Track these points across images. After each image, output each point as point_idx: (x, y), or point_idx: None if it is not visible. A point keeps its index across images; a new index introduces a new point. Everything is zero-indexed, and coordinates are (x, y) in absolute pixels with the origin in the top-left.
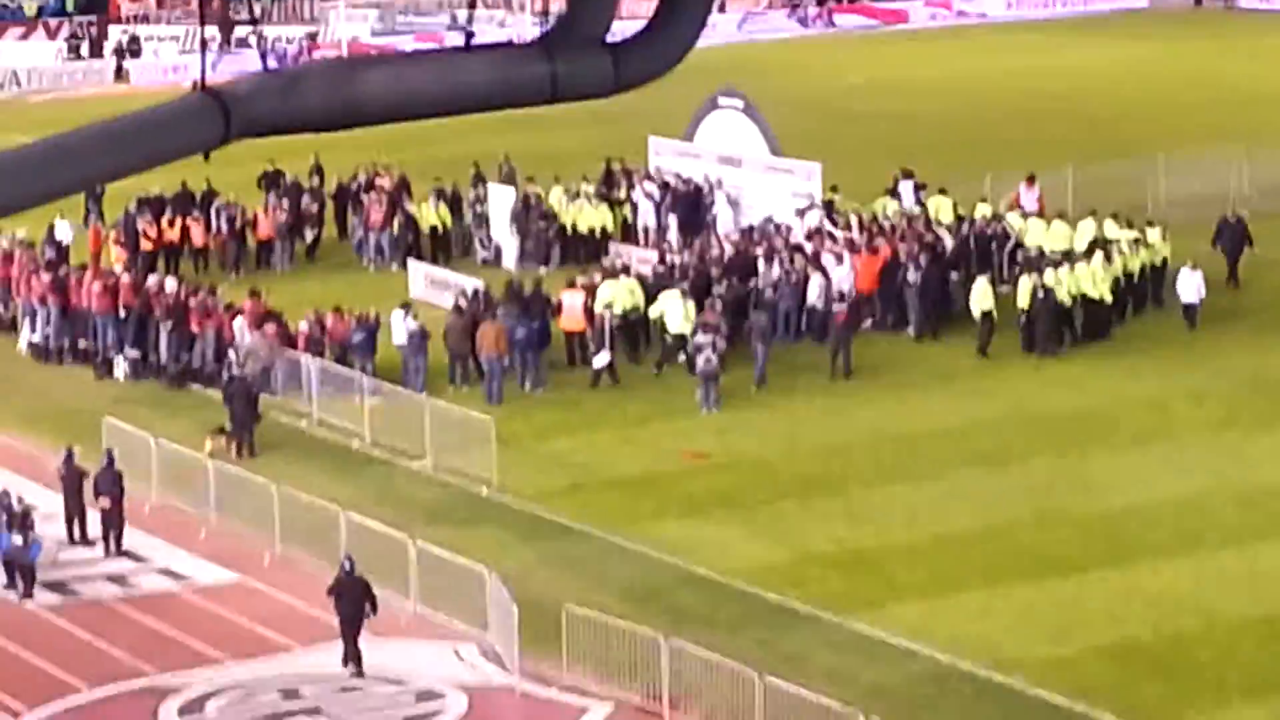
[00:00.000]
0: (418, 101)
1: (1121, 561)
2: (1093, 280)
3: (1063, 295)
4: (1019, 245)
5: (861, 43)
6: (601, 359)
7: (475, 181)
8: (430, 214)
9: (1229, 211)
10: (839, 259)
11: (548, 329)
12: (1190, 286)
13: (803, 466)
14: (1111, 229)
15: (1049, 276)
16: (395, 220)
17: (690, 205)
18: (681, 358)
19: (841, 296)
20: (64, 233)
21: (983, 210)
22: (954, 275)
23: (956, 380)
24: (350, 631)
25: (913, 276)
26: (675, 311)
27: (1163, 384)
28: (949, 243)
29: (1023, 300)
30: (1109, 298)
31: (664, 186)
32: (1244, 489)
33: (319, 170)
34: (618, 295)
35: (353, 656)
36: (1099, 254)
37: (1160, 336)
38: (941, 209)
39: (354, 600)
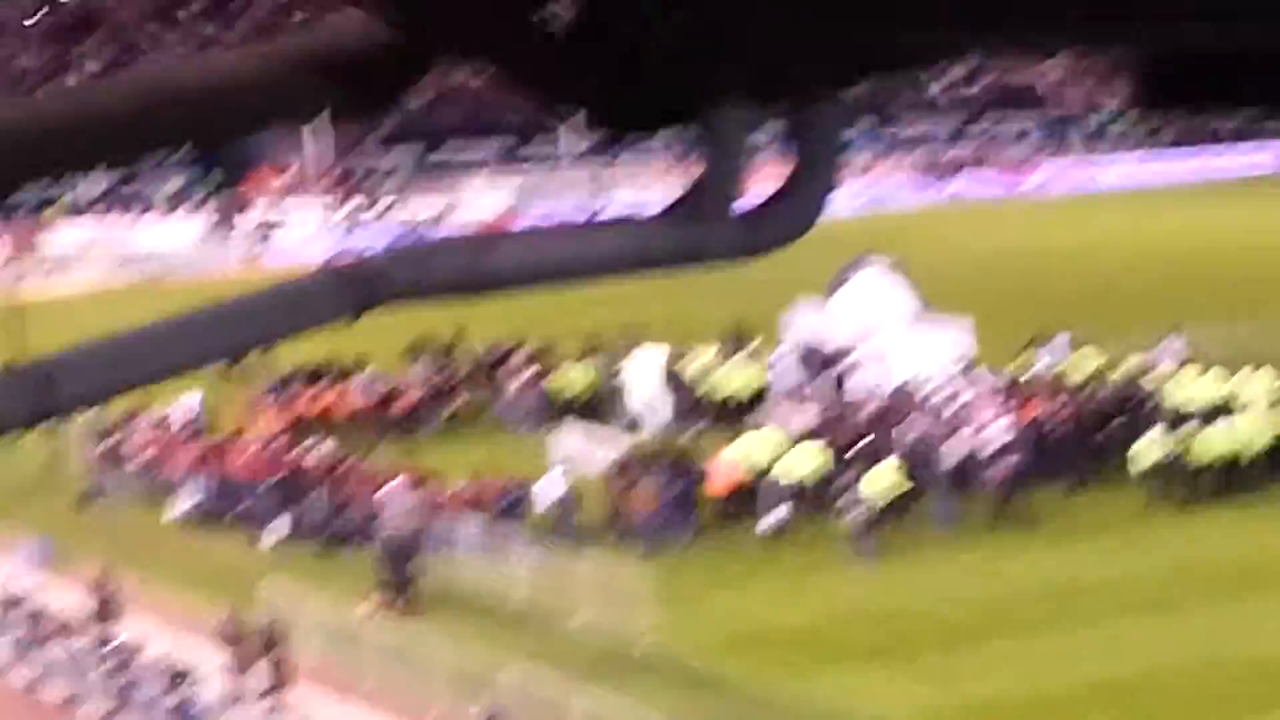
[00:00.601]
0: (551, 272)
1: None
2: (1251, 433)
3: (1200, 451)
4: (1162, 400)
5: (986, 209)
6: (776, 516)
7: (596, 350)
8: (576, 378)
9: None
10: (992, 414)
11: (695, 488)
12: None
13: (962, 616)
14: (1266, 381)
15: (1199, 433)
16: (539, 386)
17: (833, 366)
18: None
19: (1000, 450)
20: (192, 405)
21: (1128, 365)
22: (1104, 429)
23: (1112, 531)
24: None
25: (1062, 430)
26: (811, 462)
27: None
28: (1096, 397)
29: (1168, 453)
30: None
31: (805, 350)
32: None
33: (460, 339)
34: (757, 450)
35: None
36: (1257, 406)
37: None
38: (1085, 365)
39: None
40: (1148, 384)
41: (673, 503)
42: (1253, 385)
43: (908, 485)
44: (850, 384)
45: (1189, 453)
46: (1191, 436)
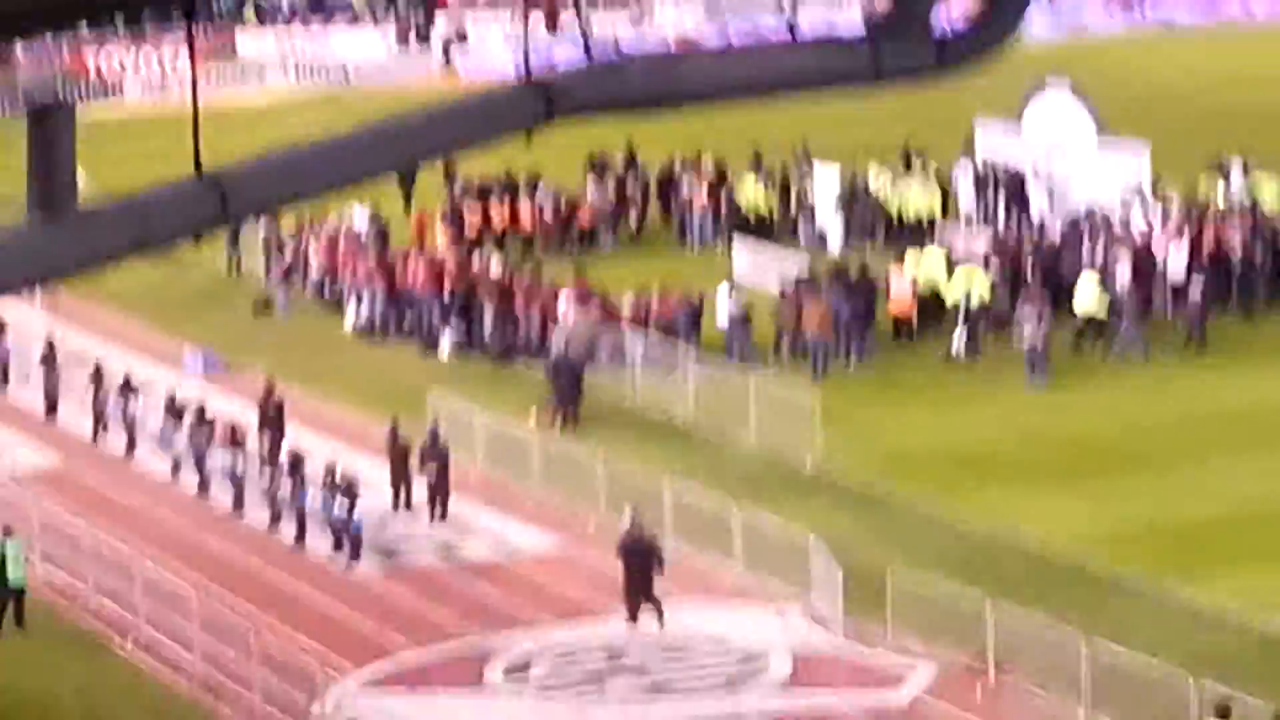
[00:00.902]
0: (741, 86)
1: None
2: None
3: None
4: None
5: (1189, 36)
6: (957, 337)
7: (800, 163)
8: (754, 195)
9: None
10: (1171, 241)
11: (873, 308)
12: None
13: (1129, 442)
14: None
15: None
16: (719, 202)
17: (1011, 188)
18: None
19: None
20: (368, 217)
21: None
22: None
23: None
24: (638, 589)
25: (1240, 257)
26: (987, 284)
27: None
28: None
29: None
30: None
31: (987, 170)
32: None
33: (638, 155)
34: (935, 269)
35: (642, 611)
36: None
37: None
38: (1267, 191)
39: (641, 558)
40: None
41: (849, 322)
42: None
43: (1106, 300)
44: (1030, 205)
45: None
46: None
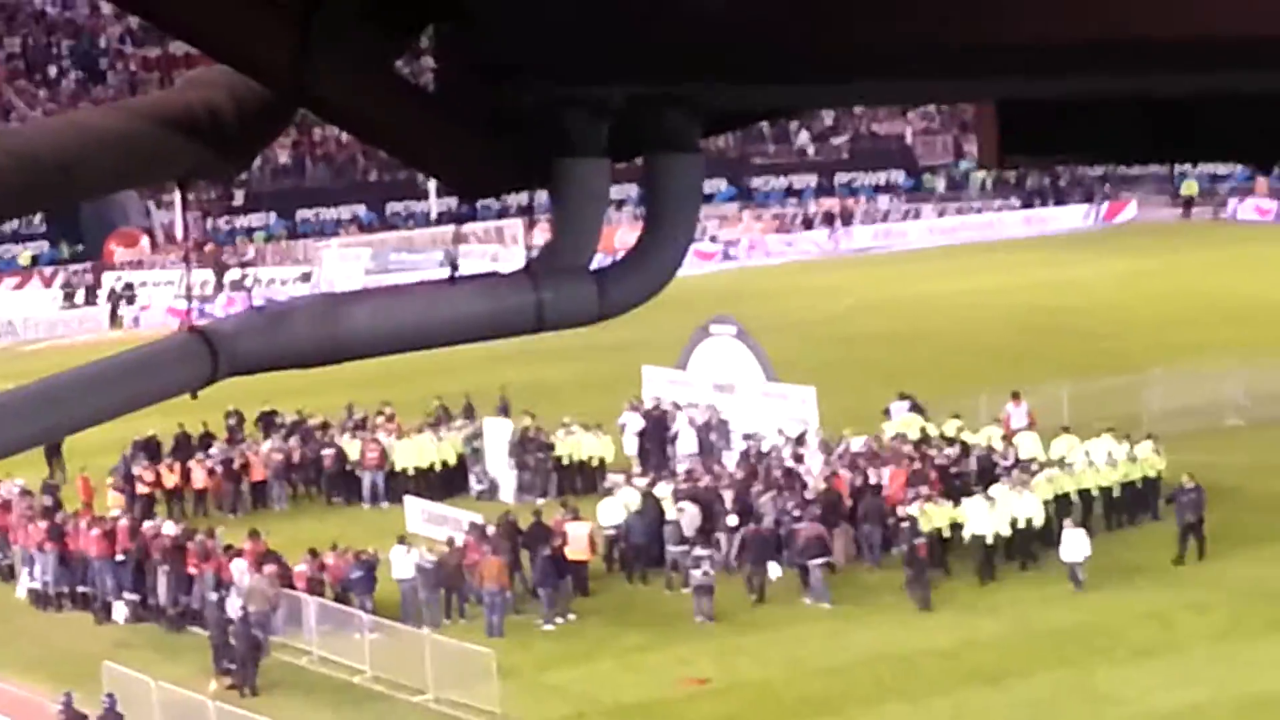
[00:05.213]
0: (404, 334)
1: None
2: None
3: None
4: (1018, 462)
5: (856, 264)
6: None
7: (468, 414)
8: (426, 450)
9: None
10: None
11: (564, 559)
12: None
13: (804, 688)
14: (1108, 444)
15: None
16: (389, 457)
17: (676, 433)
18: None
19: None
20: (39, 481)
21: (955, 426)
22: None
23: (956, 598)
24: None
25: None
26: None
27: (1164, 596)
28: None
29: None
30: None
31: (655, 415)
32: (1244, 698)
33: (308, 409)
34: (614, 512)
35: None
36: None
37: (1159, 548)
38: (917, 428)
39: None
40: (1005, 449)
41: (539, 575)
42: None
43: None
44: (698, 448)
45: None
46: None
